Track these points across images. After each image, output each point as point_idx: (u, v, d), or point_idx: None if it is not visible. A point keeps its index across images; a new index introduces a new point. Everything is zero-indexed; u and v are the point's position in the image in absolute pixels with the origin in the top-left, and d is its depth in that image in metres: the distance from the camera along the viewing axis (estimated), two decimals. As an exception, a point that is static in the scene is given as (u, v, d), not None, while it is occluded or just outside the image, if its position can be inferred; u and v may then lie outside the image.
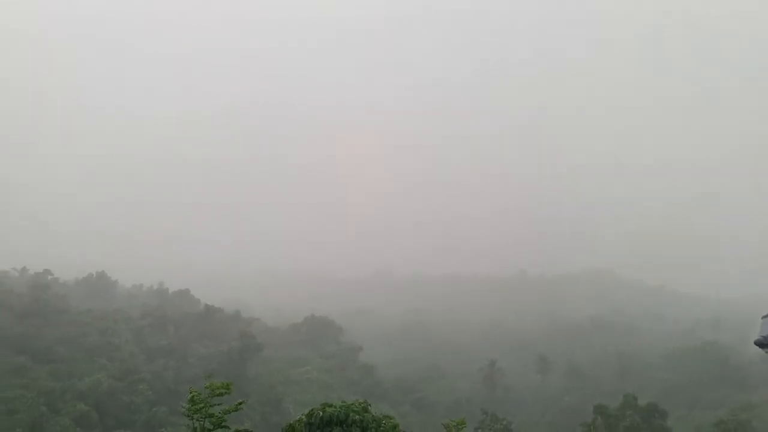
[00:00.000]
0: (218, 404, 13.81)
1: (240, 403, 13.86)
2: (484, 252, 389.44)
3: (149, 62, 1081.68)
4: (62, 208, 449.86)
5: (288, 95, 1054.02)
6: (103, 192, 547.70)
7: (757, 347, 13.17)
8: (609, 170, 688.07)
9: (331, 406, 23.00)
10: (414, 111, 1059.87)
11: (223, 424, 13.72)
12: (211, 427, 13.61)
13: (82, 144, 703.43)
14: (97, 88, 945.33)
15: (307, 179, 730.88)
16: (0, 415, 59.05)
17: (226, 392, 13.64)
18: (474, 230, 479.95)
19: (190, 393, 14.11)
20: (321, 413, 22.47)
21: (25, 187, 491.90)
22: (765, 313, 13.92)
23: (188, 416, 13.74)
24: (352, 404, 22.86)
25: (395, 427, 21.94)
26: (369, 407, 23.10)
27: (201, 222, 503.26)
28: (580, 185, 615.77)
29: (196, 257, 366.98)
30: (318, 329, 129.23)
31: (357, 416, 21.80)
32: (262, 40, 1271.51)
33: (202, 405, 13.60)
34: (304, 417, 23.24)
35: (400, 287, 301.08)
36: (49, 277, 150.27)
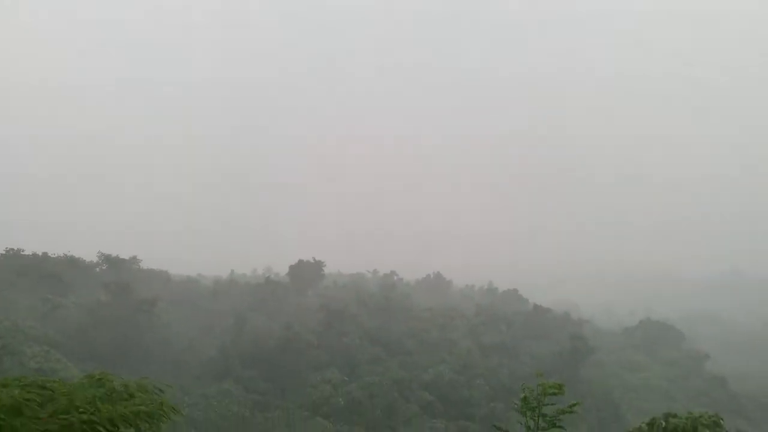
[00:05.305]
0: (551, 404, 13.64)
1: (573, 405, 13.43)
2: None
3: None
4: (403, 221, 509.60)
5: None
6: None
7: None
8: None
9: (675, 416, 21.05)
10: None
11: (557, 424, 13.49)
12: (546, 426, 13.48)
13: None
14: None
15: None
16: (364, 397, 68.02)
17: (558, 392, 13.40)
18: None
19: (523, 391, 14.23)
20: (664, 423, 20.71)
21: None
22: None
23: (522, 413, 13.87)
24: (701, 416, 20.57)
25: (757, 447, 19.07)
26: (721, 422, 20.56)
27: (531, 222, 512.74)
28: None
29: (521, 257, 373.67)
30: (655, 334, 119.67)
31: (707, 430, 19.56)
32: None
33: (535, 404, 13.59)
34: (644, 426, 21.67)
35: (755, 289, 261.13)
36: (395, 278, 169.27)
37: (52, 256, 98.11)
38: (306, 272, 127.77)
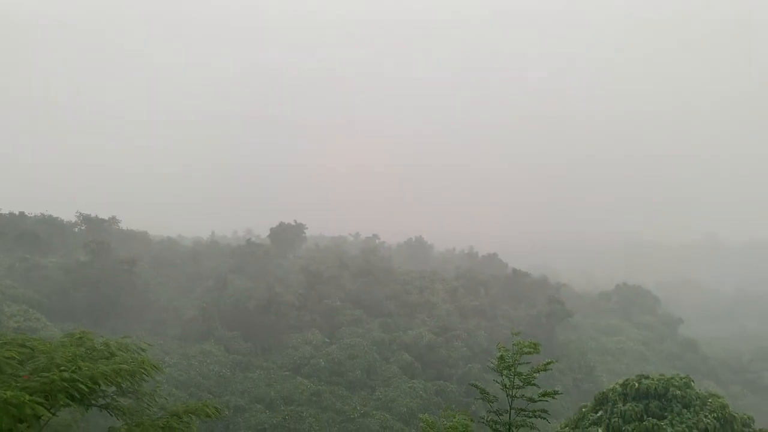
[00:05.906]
0: (527, 362, 13.97)
1: (548, 363, 13.79)
2: None
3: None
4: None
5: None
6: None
7: None
8: None
9: (647, 378, 21.68)
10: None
11: (532, 382, 13.85)
12: (521, 384, 13.84)
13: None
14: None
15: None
16: (345, 358, 68.92)
17: (533, 351, 13.73)
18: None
19: (499, 350, 14.53)
20: (637, 384, 21.35)
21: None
22: None
23: (498, 372, 14.19)
24: (672, 378, 21.24)
25: (724, 407, 19.73)
26: (692, 383, 21.22)
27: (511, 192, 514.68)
28: None
29: (502, 223, 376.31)
30: (631, 298, 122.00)
31: (678, 391, 20.21)
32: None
33: (510, 363, 13.92)
34: (618, 387, 22.35)
35: (731, 255, 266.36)
36: (377, 241, 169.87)
37: (29, 215, 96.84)
38: (287, 235, 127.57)
